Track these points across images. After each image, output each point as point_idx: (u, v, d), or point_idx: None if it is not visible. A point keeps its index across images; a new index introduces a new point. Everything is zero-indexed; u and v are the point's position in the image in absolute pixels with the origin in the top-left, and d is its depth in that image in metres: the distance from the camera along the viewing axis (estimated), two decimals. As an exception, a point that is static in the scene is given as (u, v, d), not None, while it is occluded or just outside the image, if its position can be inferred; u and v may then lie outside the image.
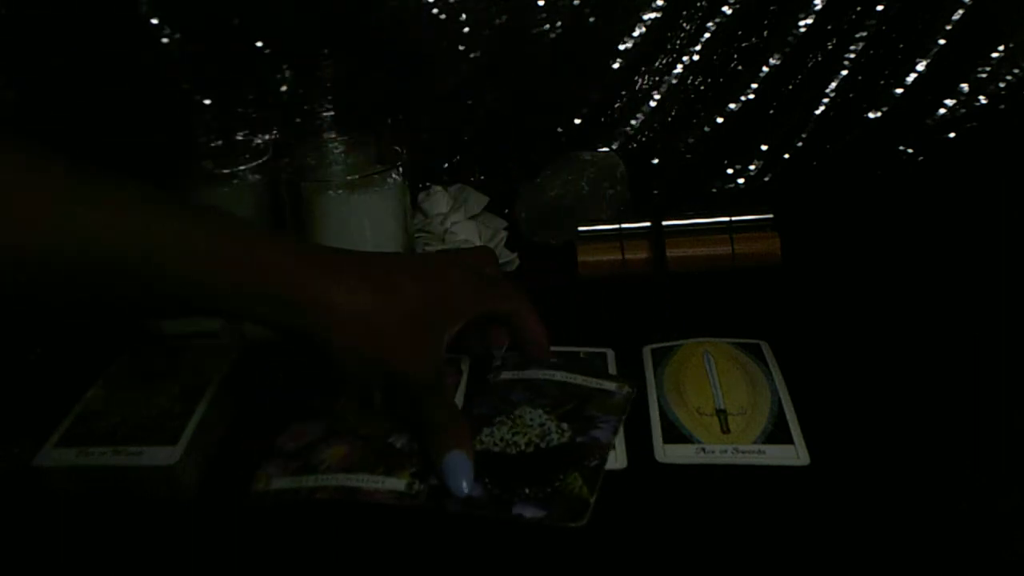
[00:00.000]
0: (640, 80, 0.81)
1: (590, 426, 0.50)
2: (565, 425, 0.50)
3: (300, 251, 0.45)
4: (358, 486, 0.47)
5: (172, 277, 0.41)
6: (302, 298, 0.43)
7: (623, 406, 0.52)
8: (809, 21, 0.79)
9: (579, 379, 0.54)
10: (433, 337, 0.47)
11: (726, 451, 0.49)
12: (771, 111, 0.81)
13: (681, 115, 0.82)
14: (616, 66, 0.80)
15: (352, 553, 0.45)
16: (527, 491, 0.46)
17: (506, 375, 0.55)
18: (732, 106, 0.81)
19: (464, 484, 0.46)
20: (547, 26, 0.79)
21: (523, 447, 0.49)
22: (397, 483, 0.47)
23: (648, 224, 0.71)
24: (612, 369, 0.57)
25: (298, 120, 0.78)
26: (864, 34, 0.79)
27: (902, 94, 0.80)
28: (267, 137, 0.75)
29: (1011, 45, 0.78)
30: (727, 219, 0.70)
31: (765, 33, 0.79)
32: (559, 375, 0.55)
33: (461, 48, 0.79)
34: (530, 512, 0.45)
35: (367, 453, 0.49)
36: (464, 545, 0.45)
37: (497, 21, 0.78)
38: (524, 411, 0.52)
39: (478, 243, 0.72)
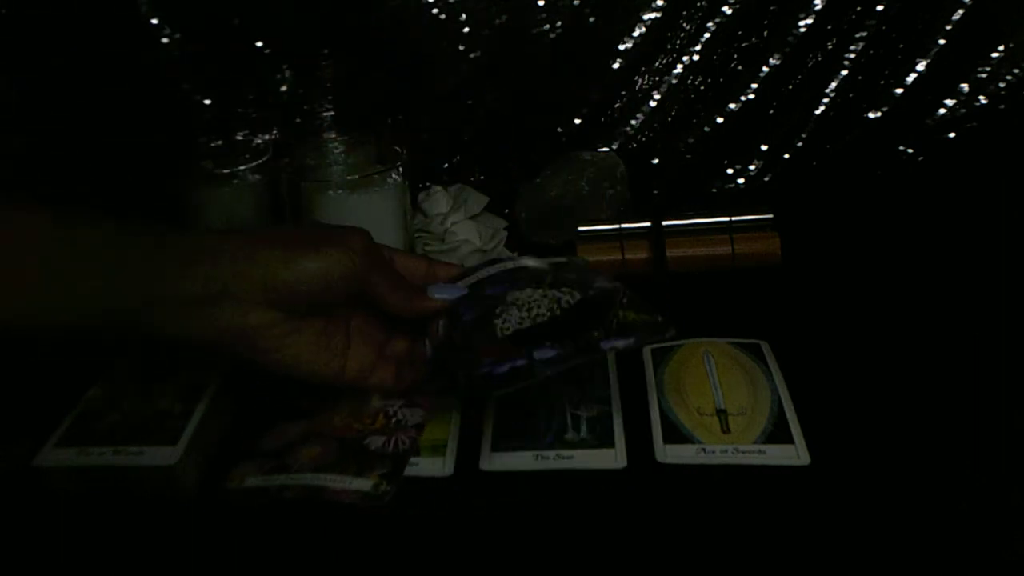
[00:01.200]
0: (640, 80, 0.81)
1: (585, 283, 0.50)
2: (564, 288, 0.50)
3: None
4: (325, 485, 0.47)
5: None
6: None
7: (584, 267, 0.54)
8: (809, 21, 0.79)
9: (527, 260, 0.54)
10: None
11: (726, 451, 0.49)
12: (771, 111, 0.81)
13: (681, 115, 0.82)
14: (616, 66, 0.80)
15: (324, 553, 0.45)
16: (596, 334, 0.46)
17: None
18: (732, 106, 0.81)
19: (453, 290, 0.50)
20: (547, 26, 0.79)
21: (549, 313, 0.49)
22: (364, 483, 0.47)
23: (648, 224, 0.71)
24: (612, 367, 0.57)
25: (298, 120, 0.78)
26: (864, 34, 0.79)
27: (902, 94, 0.80)
28: (267, 137, 0.75)
29: (1011, 45, 0.78)
30: (727, 219, 0.70)
31: (765, 33, 0.79)
32: (508, 264, 0.54)
33: (461, 48, 0.79)
34: (620, 343, 0.46)
35: (342, 454, 0.49)
36: (462, 546, 0.45)
37: (497, 21, 0.78)
38: (513, 295, 0.50)
39: (478, 243, 0.72)
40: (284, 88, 0.78)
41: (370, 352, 0.51)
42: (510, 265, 0.53)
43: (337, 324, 0.50)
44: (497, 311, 0.49)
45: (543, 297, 0.49)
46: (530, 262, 0.54)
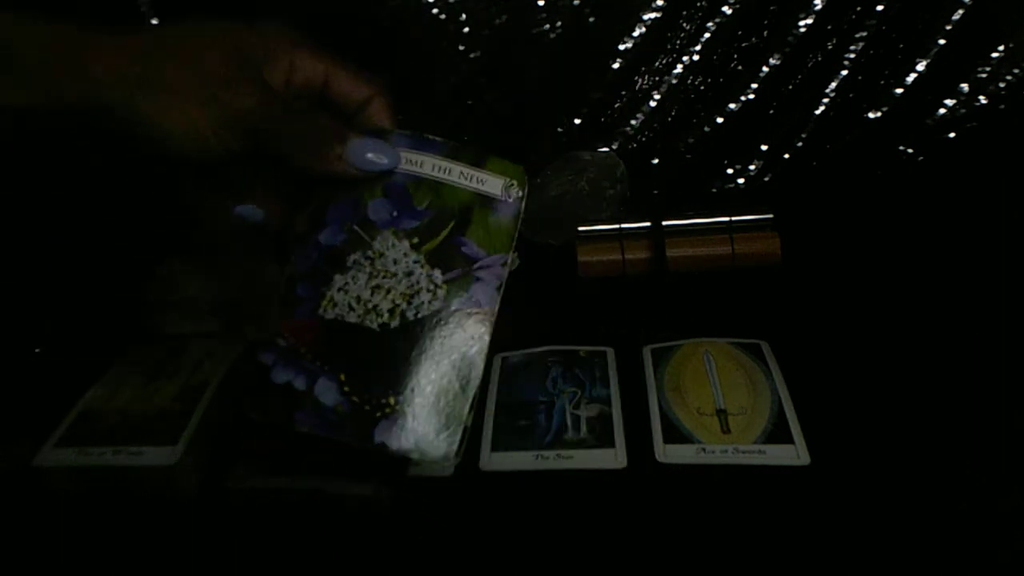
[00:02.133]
0: (640, 80, 0.81)
1: (468, 277, 0.41)
2: (438, 275, 0.41)
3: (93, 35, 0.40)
4: (325, 488, 0.47)
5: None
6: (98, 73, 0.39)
7: (512, 229, 0.42)
8: (809, 21, 0.79)
9: (454, 172, 0.43)
10: (251, 70, 0.40)
11: (726, 451, 0.49)
12: (771, 111, 0.81)
13: (681, 115, 0.82)
14: (616, 66, 0.80)
15: (324, 553, 0.45)
16: (391, 401, 0.38)
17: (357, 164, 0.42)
18: (732, 106, 0.81)
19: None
20: (547, 26, 0.79)
21: (386, 316, 0.40)
22: (364, 487, 0.47)
23: (648, 224, 0.71)
24: (612, 367, 0.57)
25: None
26: (864, 34, 0.79)
27: (902, 94, 0.80)
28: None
29: (1011, 45, 0.78)
30: (727, 219, 0.70)
31: (765, 33, 0.79)
32: (428, 165, 0.43)
33: (461, 48, 0.79)
34: (395, 441, 0.37)
35: (341, 457, 0.49)
36: (462, 546, 0.45)
37: (497, 21, 0.78)
38: (387, 242, 0.41)
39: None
40: (284, 88, 0.78)
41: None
42: (428, 170, 0.43)
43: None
44: (350, 260, 0.41)
45: (406, 275, 0.41)
46: (458, 176, 0.43)
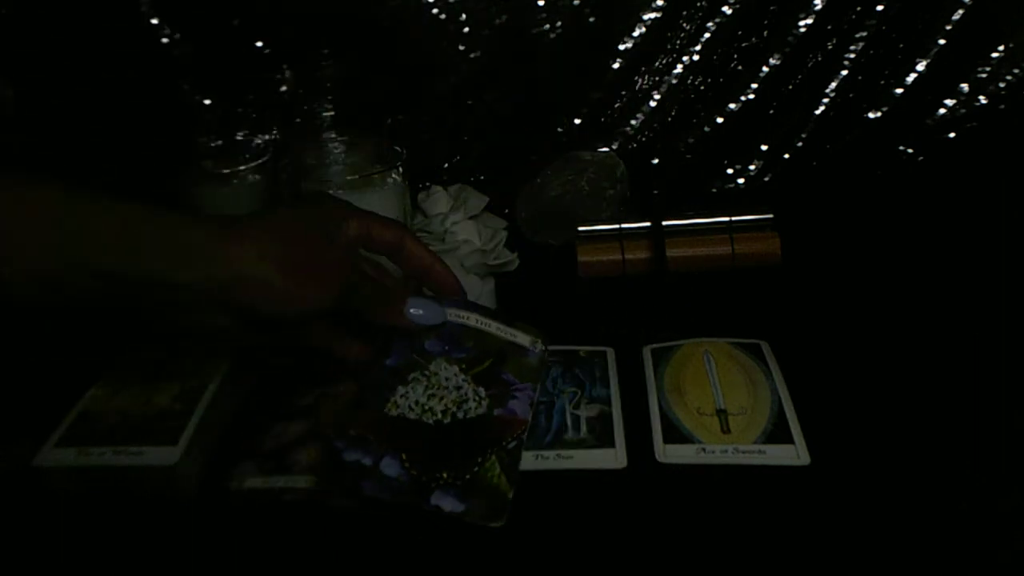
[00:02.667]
0: (640, 80, 0.81)
1: (507, 394, 0.50)
2: (482, 391, 0.50)
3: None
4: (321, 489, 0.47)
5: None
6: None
7: (538, 370, 0.53)
8: (809, 21, 0.79)
9: (493, 326, 0.54)
10: (327, 263, 0.47)
11: (726, 451, 0.49)
12: (771, 111, 0.81)
13: (681, 115, 0.82)
14: (616, 66, 0.80)
15: (323, 553, 0.45)
16: (445, 475, 0.45)
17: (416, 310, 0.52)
18: (732, 106, 0.81)
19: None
20: (547, 26, 0.79)
21: (440, 415, 0.48)
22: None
23: (648, 224, 0.71)
24: (612, 367, 0.57)
25: (298, 120, 0.78)
26: (864, 34, 0.79)
27: (902, 94, 0.80)
28: (267, 137, 0.75)
29: (1011, 45, 0.78)
30: (727, 219, 0.70)
31: (765, 33, 0.79)
32: (472, 319, 0.54)
33: (461, 48, 0.79)
34: (449, 504, 0.44)
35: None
36: (459, 546, 0.45)
37: (497, 21, 0.78)
38: (440, 366, 0.51)
39: (478, 243, 0.72)
40: (284, 88, 0.78)
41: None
42: (472, 322, 0.54)
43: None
44: (410, 376, 0.50)
45: (456, 388, 0.50)
46: (495, 330, 0.54)
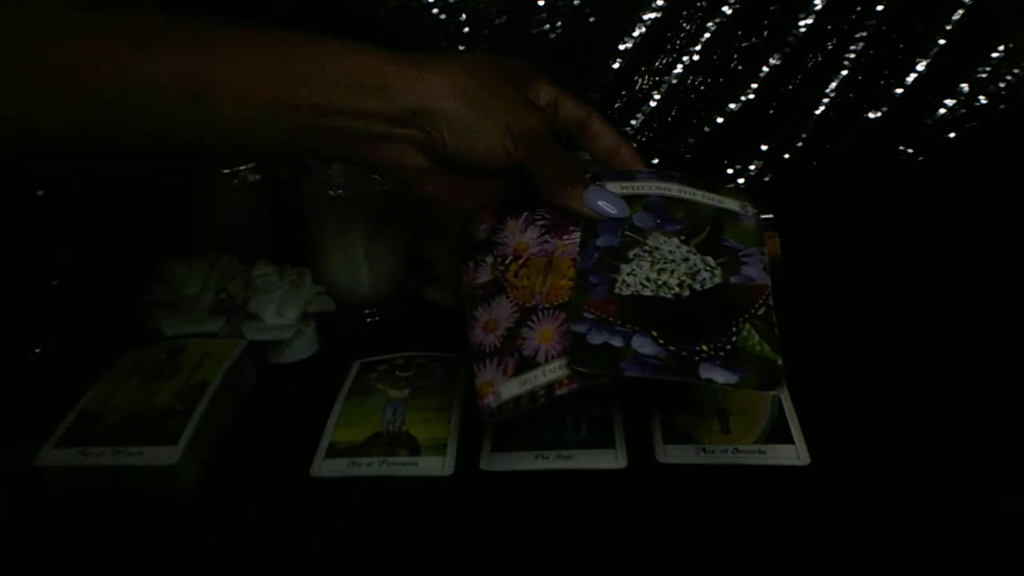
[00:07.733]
0: (640, 80, 0.81)
1: (736, 261, 0.46)
2: (711, 260, 0.46)
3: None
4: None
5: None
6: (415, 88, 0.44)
7: (758, 234, 0.49)
8: (809, 21, 0.79)
9: (698, 195, 0.50)
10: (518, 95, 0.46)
11: (726, 451, 0.49)
12: (771, 111, 0.81)
13: (681, 115, 0.82)
14: (616, 66, 0.80)
15: (325, 553, 0.45)
16: (705, 348, 0.42)
17: (612, 186, 0.49)
18: (732, 106, 0.81)
19: (615, 208, 0.47)
20: (547, 26, 0.79)
21: (677, 288, 0.45)
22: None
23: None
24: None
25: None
26: (864, 34, 0.79)
27: (902, 94, 0.80)
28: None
29: (1011, 45, 0.78)
30: (727, 219, 0.70)
31: (765, 33, 0.79)
32: (674, 189, 0.50)
33: (461, 48, 0.79)
34: (721, 376, 0.41)
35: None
36: (462, 546, 0.45)
37: (497, 21, 0.78)
38: (659, 240, 0.47)
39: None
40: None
41: None
42: (675, 192, 0.49)
43: None
44: (630, 254, 0.46)
45: (683, 260, 0.46)
46: (701, 197, 0.50)
